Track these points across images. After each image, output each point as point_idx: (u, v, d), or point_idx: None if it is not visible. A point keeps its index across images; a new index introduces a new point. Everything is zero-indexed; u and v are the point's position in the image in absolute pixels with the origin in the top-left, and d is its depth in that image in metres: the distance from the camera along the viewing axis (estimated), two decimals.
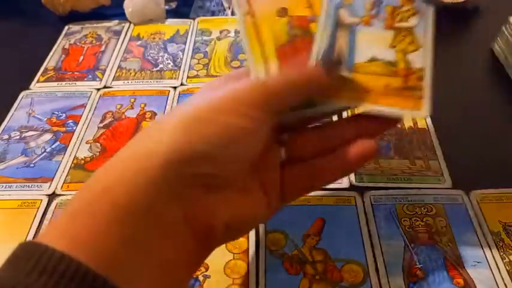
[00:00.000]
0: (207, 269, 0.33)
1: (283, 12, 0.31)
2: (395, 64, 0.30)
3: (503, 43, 0.50)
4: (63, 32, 0.59)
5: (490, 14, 0.58)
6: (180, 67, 0.52)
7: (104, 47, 0.56)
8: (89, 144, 0.44)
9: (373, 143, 0.28)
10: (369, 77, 0.29)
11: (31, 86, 0.51)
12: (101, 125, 0.46)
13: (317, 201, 0.37)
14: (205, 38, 0.57)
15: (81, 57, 0.55)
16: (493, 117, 0.45)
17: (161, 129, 0.24)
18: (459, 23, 0.58)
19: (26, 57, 0.56)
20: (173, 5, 0.62)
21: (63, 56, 0.55)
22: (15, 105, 0.48)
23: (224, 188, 0.25)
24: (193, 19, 0.60)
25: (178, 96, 0.49)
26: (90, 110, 0.47)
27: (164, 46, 0.56)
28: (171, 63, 0.53)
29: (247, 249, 0.35)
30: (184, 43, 0.56)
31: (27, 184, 0.40)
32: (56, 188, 0.40)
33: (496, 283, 0.32)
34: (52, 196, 0.39)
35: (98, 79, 0.51)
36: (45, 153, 0.43)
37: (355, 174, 0.39)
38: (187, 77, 0.51)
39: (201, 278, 0.33)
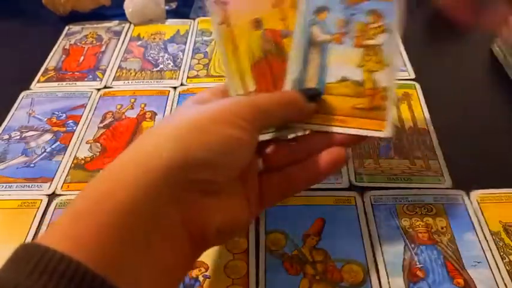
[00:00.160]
0: (207, 269, 0.33)
1: (257, 24, 0.33)
2: (362, 84, 0.32)
3: (503, 43, 0.50)
4: (64, 32, 0.59)
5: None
6: (180, 67, 0.52)
7: (104, 47, 0.56)
8: (89, 144, 0.44)
9: (342, 150, 0.31)
10: (339, 99, 0.32)
11: (31, 86, 0.51)
12: (101, 125, 0.46)
13: (317, 201, 0.37)
14: (205, 38, 0.57)
15: (82, 58, 0.55)
16: (493, 117, 0.45)
17: (161, 136, 0.25)
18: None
19: (26, 57, 0.56)
20: (173, 5, 0.62)
21: (64, 56, 0.55)
22: (16, 105, 0.49)
23: (217, 193, 0.27)
24: (194, 19, 0.60)
25: (179, 96, 0.49)
26: (90, 110, 0.47)
27: (164, 46, 0.56)
28: (171, 64, 0.53)
29: (247, 249, 0.35)
30: (185, 43, 0.56)
31: (27, 184, 0.40)
32: (56, 188, 0.40)
33: (496, 283, 0.32)
34: (52, 196, 0.39)
35: (98, 79, 0.51)
36: (45, 153, 0.43)
37: (355, 174, 0.39)
38: (188, 77, 0.51)
39: (201, 278, 0.33)
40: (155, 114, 0.47)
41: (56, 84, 0.51)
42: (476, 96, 0.48)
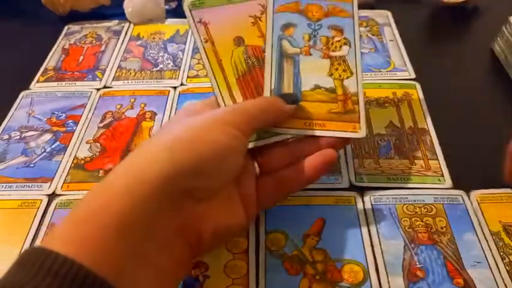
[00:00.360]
0: (206, 269, 0.33)
1: (239, 41, 0.36)
2: (334, 90, 0.35)
3: (503, 43, 0.50)
4: (63, 32, 0.59)
5: (490, 14, 0.58)
6: (180, 67, 0.52)
7: (103, 47, 0.56)
8: (89, 144, 0.44)
9: (333, 152, 0.33)
10: (315, 104, 0.34)
11: (31, 86, 0.51)
12: (101, 125, 0.46)
13: (317, 202, 0.37)
14: None
15: (81, 57, 0.55)
16: (493, 117, 0.45)
17: (154, 148, 0.27)
18: (459, 23, 0.58)
19: (26, 57, 0.56)
20: (173, 5, 0.62)
21: (63, 56, 0.55)
22: (15, 105, 0.48)
23: (211, 199, 0.28)
24: None
25: (179, 96, 0.49)
26: (90, 110, 0.47)
27: (164, 46, 0.56)
28: (171, 63, 0.53)
29: (247, 249, 0.34)
30: (184, 43, 0.56)
31: (27, 184, 0.40)
32: (56, 188, 0.40)
33: (496, 283, 0.32)
34: (52, 196, 0.39)
35: (97, 79, 0.51)
36: (45, 153, 0.43)
37: (355, 174, 0.39)
38: (187, 77, 0.51)
39: (201, 278, 0.33)
40: (155, 114, 0.47)
41: (55, 84, 0.51)
42: (477, 96, 0.48)
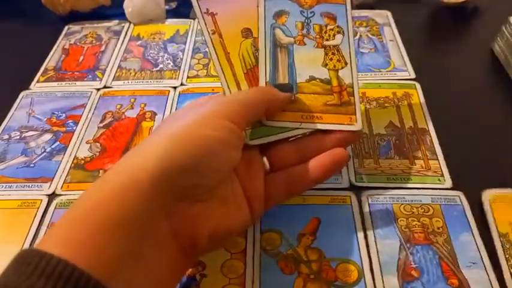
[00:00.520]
0: (204, 268, 0.33)
1: (247, 33, 0.35)
2: (329, 82, 0.34)
3: (503, 43, 0.50)
4: (63, 32, 0.59)
5: (490, 14, 0.58)
6: (180, 67, 0.52)
7: (103, 47, 0.56)
8: (89, 144, 0.44)
9: (344, 151, 0.33)
10: (310, 97, 0.34)
11: (31, 86, 0.51)
12: (101, 125, 0.46)
13: (313, 201, 0.37)
14: None
15: (81, 57, 0.55)
16: (493, 117, 0.45)
17: (148, 147, 0.26)
18: (459, 23, 0.58)
19: (26, 57, 0.56)
20: (173, 5, 0.62)
21: (63, 56, 0.55)
22: (15, 105, 0.48)
23: (207, 200, 0.28)
24: (193, 19, 0.60)
25: (179, 96, 0.49)
26: (90, 110, 0.47)
27: (164, 46, 0.56)
28: (171, 63, 0.53)
29: (245, 249, 0.34)
30: (184, 43, 0.56)
31: (27, 184, 0.40)
32: (56, 188, 0.40)
33: (491, 284, 0.32)
34: (52, 196, 0.39)
35: (97, 79, 0.51)
36: (45, 153, 0.43)
37: (355, 174, 0.39)
38: (187, 77, 0.51)
39: (198, 276, 0.33)
40: (155, 114, 0.47)
41: (55, 84, 0.51)
42: (477, 96, 0.48)
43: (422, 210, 0.36)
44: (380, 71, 0.50)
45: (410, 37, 0.55)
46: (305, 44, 0.35)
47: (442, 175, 0.39)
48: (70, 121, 0.46)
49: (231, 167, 0.29)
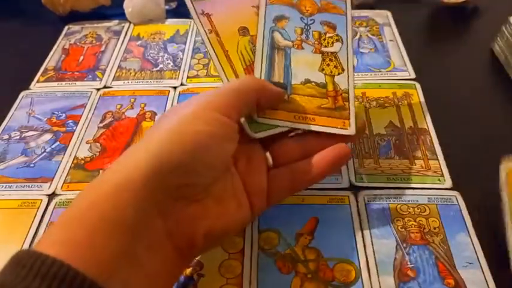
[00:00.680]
0: (201, 268, 0.33)
1: (244, 31, 0.35)
2: (325, 86, 0.35)
3: (503, 43, 0.50)
4: (63, 32, 0.59)
5: (490, 14, 0.58)
6: (180, 67, 0.52)
7: (104, 47, 0.56)
8: (89, 144, 0.44)
9: (346, 147, 0.32)
10: (305, 99, 0.34)
11: (31, 86, 0.51)
12: (101, 125, 0.46)
13: (311, 201, 0.37)
14: None
15: (81, 57, 0.55)
16: (493, 117, 0.45)
17: (145, 144, 0.26)
18: (459, 23, 0.58)
19: (26, 57, 0.56)
20: (173, 5, 0.62)
21: (63, 56, 0.55)
22: (15, 105, 0.48)
23: (203, 198, 0.27)
24: None
25: (179, 96, 0.49)
26: (90, 110, 0.47)
27: (164, 46, 0.56)
28: (171, 63, 0.53)
29: (243, 249, 0.34)
30: (184, 43, 0.56)
31: (27, 184, 0.40)
32: (56, 188, 0.40)
33: (487, 284, 0.32)
34: (52, 196, 0.39)
35: (97, 79, 0.51)
36: (45, 153, 0.43)
37: (355, 174, 0.39)
38: (187, 77, 0.51)
39: (195, 276, 0.33)
40: (155, 114, 0.47)
41: (55, 84, 0.51)
42: (477, 96, 0.48)
43: (419, 210, 0.36)
44: (380, 71, 0.50)
45: (410, 37, 0.55)
46: (303, 49, 0.35)
47: (442, 175, 0.39)
48: (70, 121, 0.46)
49: (226, 162, 0.29)
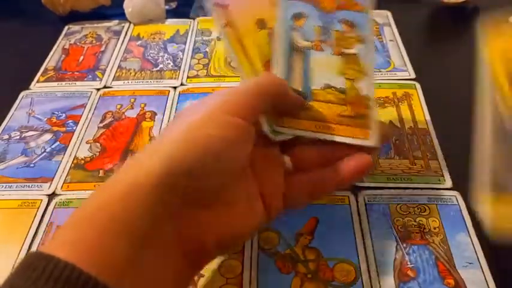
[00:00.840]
0: None
1: (262, 24, 0.33)
2: (344, 91, 0.32)
3: None
4: (63, 32, 0.59)
5: (490, 14, 0.58)
6: (180, 67, 0.52)
7: (104, 47, 0.56)
8: (89, 144, 0.44)
9: (369, 157, 0.31)
10: (324, 105, 0.31)
11: (31, 86, 0.51)
12: (101, 125, 0.46)
13: None
14: (205, 38, 0.57)
15: (81, 57, 0.55)
16: None
17: (157, 147, 0.25)
18: (459, 23, 0.58)
19: (26, 57, 0.56)
20: (173, 5, 0.62)
21: (63, 56, 0.55)
22: (15, 105, 0.48)
23: (214, 203, 0.27)
24: (193, 19, 0.60)
25: (179, 96, 0.49)
26: (90, 110, 0.47)
27: (164, 46, 0.56)
28: (171, 63, 0.53)
29: (243, 249, 0.34)
30: (184, 43, 0.56)
31: (27, 184, 0.40)
32: (56, 188, 0.40)
33: (487, 284, 0.32)
34: (52, 196, 0.39)
35: (97, 79, 0.51)
36: (45, 153, 0.43)
37: None
38: (187, 77, 0.51)
39: (195, 276, 0.33)
40: (155, 114, 0.47)
41: (55, 84, 0.51)
42: (477, 96, 0.48)
43: (419, 210, 0.36)
44: (380, 71, 0.50)
45: (410, 37, 0.55)
46: (322, 50, 0.33)
47: (442, 175, 0.39)
48: (70, 121, 0.46)
49: (239, 167, 0.27)
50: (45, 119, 0.47)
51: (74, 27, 0.60)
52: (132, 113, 0.47)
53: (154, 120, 0.46)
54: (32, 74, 0.52)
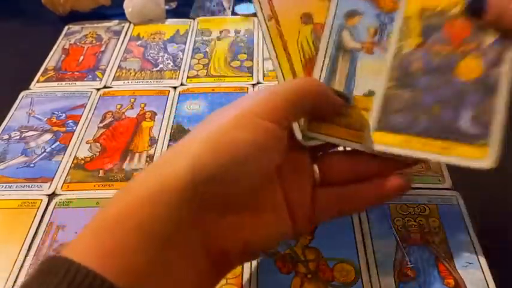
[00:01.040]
0: None
1: (307, 18, 0.31)
2: None
3: None
4: (63, 32, 0.59)
5: None
6: (180, 67, 0.52)
7: (104, 47, 0.56)
8: (89, 144, 0.44)
9: (406, 180, 0.29)
10: (363, 113, 0.29)
11: (31, 86, 0.51)
12: (101, 125, 0.46)
13: None
14: (205, 38, 0.57)
15: (81, 57, 0.55)
16: None
17: (180, 152, 0.25)
18: None
19: (26, 57, 0.56)
20: (173, 5, 0.62)
21: (63, 56, 0.55)
22: (15, 105, 0.48)
23: (240, 210, 0.25)
24: (193, 19, 0.60)
25: (179, 96, 0.49)
26: (90, 110, 0.47)
27: (164, 46, 0.56)
28: (171, 63, 0.53)
29: None
30: (184, 43, 0.56)
31: (27, 184, 0.40)
32: (56, 188, 0.40)
33: (487, 284, 0.32)
34: (52, 196, 0.39)
35: (97, 79, 0.51)
36: (45, 153, 0.43)
37: None
38: (187, 77, 0.51)
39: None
40: (155, 114, 0.47)
41: (55, 84, 0.51)
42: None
43: (419, 210, 0.36)
44: None
45: None
46: (373, 53, 0.29)
47: (442, 175, 0.39)
48: (70, 121, 0.46)
49: (268, 173, 0.26)
50: (45, 119, 0.47)
51: (74, 27, 0.60)
52: (132, 113, 0.47)
53: (154, 120, 0.46)
54: (32, 74, 0.52)
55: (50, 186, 0.40)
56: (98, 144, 0.44)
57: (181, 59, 0.54)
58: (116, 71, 0.52)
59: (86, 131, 0.45)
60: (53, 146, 0.44)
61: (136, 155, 0.42)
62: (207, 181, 0.23)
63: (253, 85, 0.49)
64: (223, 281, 0.33)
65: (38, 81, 0.52)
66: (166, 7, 0.60)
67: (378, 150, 0.28)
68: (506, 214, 0.37)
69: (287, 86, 0.27)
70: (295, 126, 0.28)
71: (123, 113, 0.47)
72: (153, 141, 0.44)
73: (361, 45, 0.30)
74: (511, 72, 0.25)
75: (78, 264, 0.20)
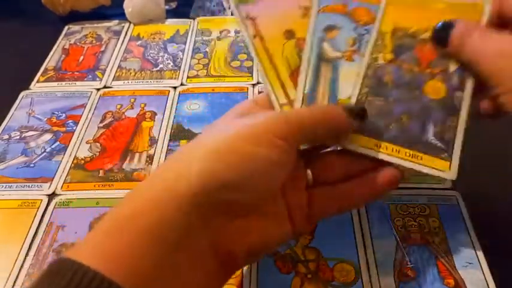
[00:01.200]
0: None
1: (290, 34, 0.33)
2: None
3: None
4: (63, 32, 0.59)
5: None
6: (180, 67, 0.52)
7: (104, 47, 0.56)
8: (89, 144, 0.44)
9: (398, 171, 0.30)
10: None
11: (31, 86, 0.51)
12: (101, 125, 0.46)
13: None
14: (205, 38, 0.57)
15: (81, 57, 0.55)
16: None
17: (191, 158, 0.25)
18: None
19: (26, 57, 0.56)
20: (173, 5, 0.62)
21: (63, 56, 0.55)
22: (15, 105, 0.48)
23: (248, 215, 0.26)
24: (193, 19, 0.60)
25: (178, 96, 0.49)
26: (90, 110, 0.47)
27: (164, 46, 0.56)
28: (171, 63, 0.53)
29: None
30: (184, 43, 0.56)
31: (27, 184, 0.40)
32: (56, 188, 0.40)
33: (487, 284, 0.32)
34: (52, 196, 0.39)
35: (97, 79, 0.51)
36: (45, 153, 0.43)
37: None
38: (187, 77, 0.51)
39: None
40: (155, 114, 0.47)
41: (55, 84, 0.51)
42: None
43: (419, 210, 0.37)
44: None
45: None
46: (353, 60, 0.32)
47: None
48: (70, 121, 0.46)
49: (277, 187, 0.27)
50: (45, 119, 0.47)
51: (74, 27, 0.60)
52: (132, 113, 0.47)
53: (154, 120, 0.46)
54: (32, 74, 0.52)
55: (50, 186, 0.40)
56: (98, 144, 0.44)
57: (181, 59, 0.54)
58: (116, 71, 0.52)
59: (86, 131, 0.45)
60: (53, 146, 0.44)
61: (137, 155, 0.42)
62: (219, 188, 0.24)
63: (253, 85, 0.49)
64: None
65: (38, 81, 0.52)
66: (166, 7, 0.60)
67: (353, 149, 0.30)
68: (506, 214, 0.37)
69: (303, 114, 0.28)
70: None
71: (123, 113, 0.47)
72: (153, 141, 0.44)
73: (342, 54, 0.32)
74: (469, 99, 0.29)
75: (86, 267, 0.20)
